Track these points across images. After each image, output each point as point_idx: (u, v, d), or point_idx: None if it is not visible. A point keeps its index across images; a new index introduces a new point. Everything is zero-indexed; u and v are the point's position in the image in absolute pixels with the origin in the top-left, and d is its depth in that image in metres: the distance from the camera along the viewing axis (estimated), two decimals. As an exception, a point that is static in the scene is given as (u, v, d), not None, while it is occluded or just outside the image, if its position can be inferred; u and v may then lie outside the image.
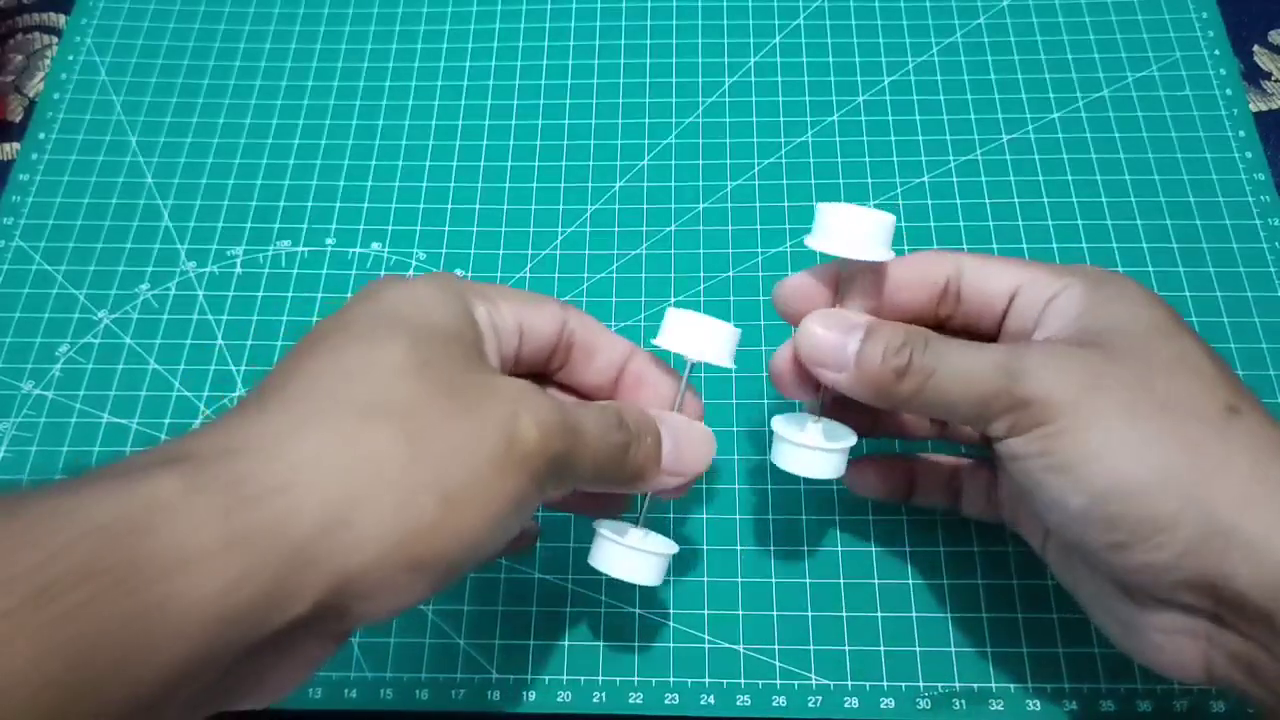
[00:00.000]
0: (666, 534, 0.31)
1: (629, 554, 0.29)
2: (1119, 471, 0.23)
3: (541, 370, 0.30)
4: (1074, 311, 0.27)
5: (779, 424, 0.30)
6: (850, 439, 0.30)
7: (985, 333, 0.29)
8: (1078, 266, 0.28)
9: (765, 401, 0.39)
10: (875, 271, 0.29)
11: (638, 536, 0.30)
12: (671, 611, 0.35)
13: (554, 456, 0.23)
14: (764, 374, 0.39)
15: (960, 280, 0.29)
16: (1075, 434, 0.24)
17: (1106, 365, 0.25)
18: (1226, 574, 0.23)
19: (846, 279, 0.29)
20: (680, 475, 0.28)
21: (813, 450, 0.29)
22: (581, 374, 0.30)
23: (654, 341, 0.30)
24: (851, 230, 0.27)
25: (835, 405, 0.31)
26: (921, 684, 0.34)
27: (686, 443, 0.28)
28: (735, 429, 0.38)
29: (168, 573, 0.18)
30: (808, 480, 0.34)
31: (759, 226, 0.43)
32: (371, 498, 0.21)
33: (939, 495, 0.34)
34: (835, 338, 0.27)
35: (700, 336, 0.29)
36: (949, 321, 0.30)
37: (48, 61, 0.50)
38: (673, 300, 0.41)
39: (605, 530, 0.30)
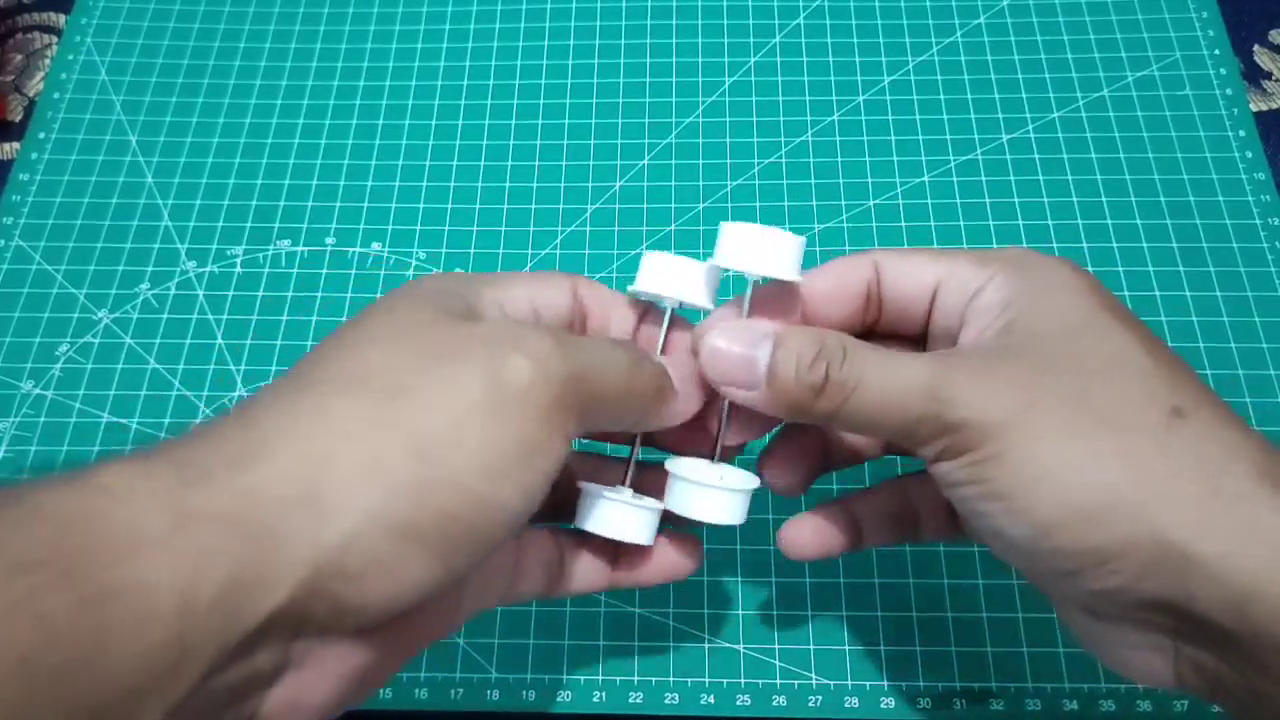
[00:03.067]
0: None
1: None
2: (1060, 500, 0.22)
3: None
4: (999, 309, 0.24)
5: (675, 466, 0.27)
6: (751, 484, 0.27)
7: (912, 333, 0.27)
8: (1001, 252, 0.26)
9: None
10: (789, 293, 0.27)
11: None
12: (671, 611, 0.35)
13: (562, 389, 0.21)
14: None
15: (880, 283, 0.27)
16: (1010, 460, 0.22)
17: (1039, 379, 0.23)
18: (1188, 594, 0.21)
19: (759, 302, 0.27)
20: (692, 396, 0.26)
21: (710, 489, 0.26)
22: None
23: (629, 289, 0.28)
24: (756, 248, 0.26)
25: (785, 432, 0.29)
26: (921, 684, 0.34)
27: (682, 366, 0.26)
28: (735, 429, 0.38)
29: (117, 560, 0.17)
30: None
31: (759, 226, 0.43)
32: (338, 464, 0.19)
33: (891, 531, 0.30)
34: (741, 351, 0.25)
35: (675, 278, 0.27)
36: (876, 326, 0.28)
37: (48, 61, 0.50)
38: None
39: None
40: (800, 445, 0.29)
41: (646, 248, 0.43)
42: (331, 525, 0.19)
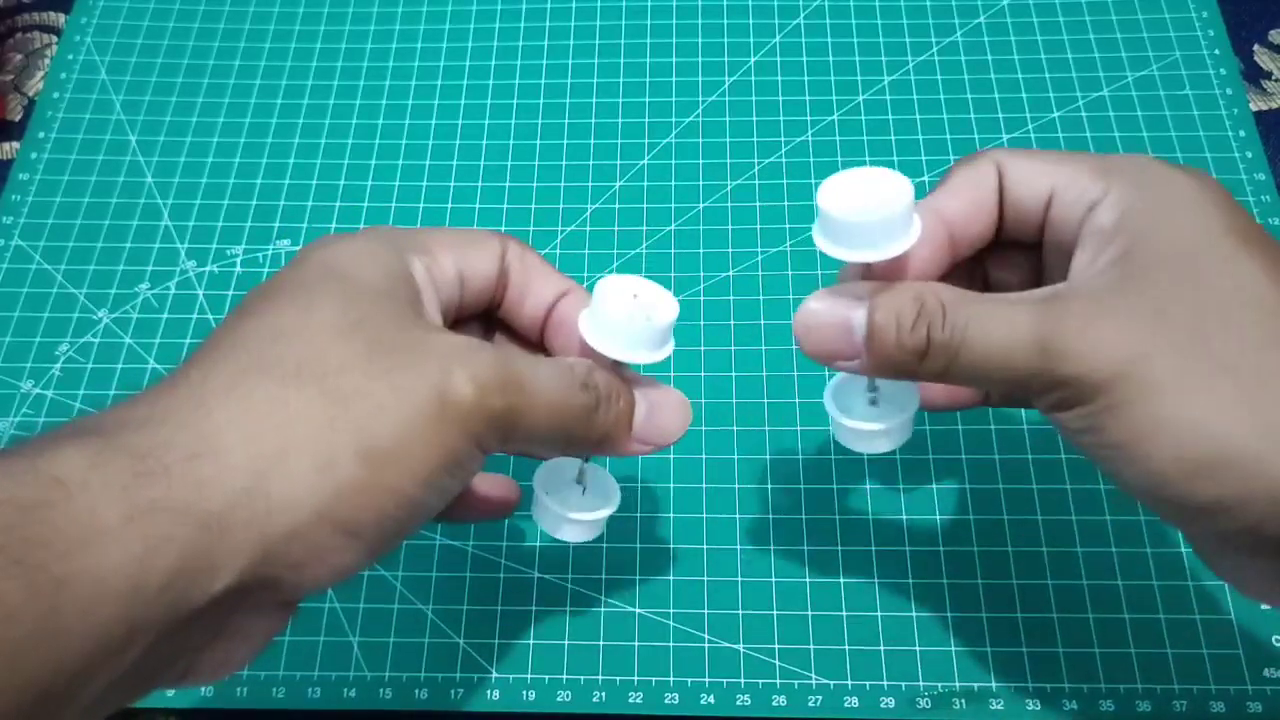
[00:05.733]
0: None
1: (569, 520, 0.28)
2: (1176, 453, 0.21)
3: (486, 309, 0.28)
4: (1114, 231, 0.23)
5: (830, 403, 0.27)
6: (912, 404, 0.27)
7: (1030, 241, 0.26)
8: (1122, 161, 0.24)
9: (764, 401, 0.39)
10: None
11: (577, 496, 0.29)
12: (671, 611, 0.35)
13: (494, 414, 0.22)
14: (763, 373, 0.39)
15: (1003, 189, 0.26)
16: (1124, 413, 0.21)
17: (1153, 323, 0.22)
18: None
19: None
20: (651, 444, 0.26)
21: (873, 432, 0.26)
22: (517, 312, 0.28)
23: (580, 328, 0.27)
24: (864, 235, 0.23)
25: None
26: (921, 684, 0.34)
27: (661, 409, 0.26)
28: (734, 428, 0.38)
29: (69, 550, 0.17)
30: (807, 478, 0.33)
31: (759, 226, 0.43)
32: (290, 461, 0.20)
33: (1011, 398, 0.30)
34: (837, 319, 0.24)
35: (621, 333, 0.25)
36: (999, 235, 0.26)
37: (48, 61, 0.50)
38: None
39: (546, 496, 0.28)
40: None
41: (646, 248, 0.43)
42: (280, 519, 0.20)
